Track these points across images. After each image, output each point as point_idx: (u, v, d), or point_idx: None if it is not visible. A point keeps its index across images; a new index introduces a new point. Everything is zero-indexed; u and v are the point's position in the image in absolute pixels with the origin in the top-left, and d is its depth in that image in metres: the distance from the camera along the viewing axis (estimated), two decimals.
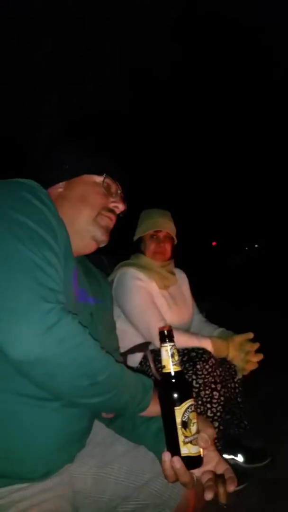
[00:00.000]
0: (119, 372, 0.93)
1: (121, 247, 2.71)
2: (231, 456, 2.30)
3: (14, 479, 0.94)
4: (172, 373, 0.92)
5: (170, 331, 0.94)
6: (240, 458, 2.29)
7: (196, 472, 0.95)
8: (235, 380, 2.20)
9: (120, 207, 1.24)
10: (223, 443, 2.23)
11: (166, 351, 0.93)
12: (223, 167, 21.08)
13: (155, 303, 2.17)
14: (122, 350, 2.19)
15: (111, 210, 1.22)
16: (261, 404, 2.99)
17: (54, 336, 0.81)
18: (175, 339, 2.07)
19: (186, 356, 1.97)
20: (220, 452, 2.17)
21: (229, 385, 2.20)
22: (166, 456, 0.90)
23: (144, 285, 2.19)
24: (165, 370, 0.93)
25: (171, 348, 0.93)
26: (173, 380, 0.92)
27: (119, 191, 1.27)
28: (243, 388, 2.23)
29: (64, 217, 1.10)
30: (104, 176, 1.22)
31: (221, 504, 0.89)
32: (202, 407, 1.93)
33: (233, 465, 2.28)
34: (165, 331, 0.94)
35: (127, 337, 2.16)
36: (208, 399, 1.92)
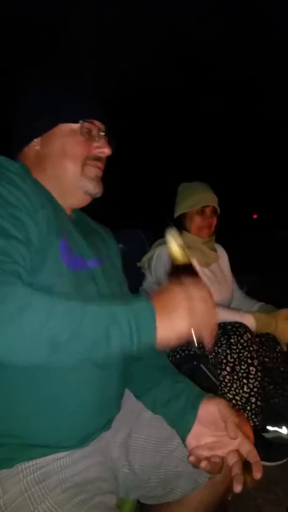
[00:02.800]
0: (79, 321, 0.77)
1: (160, 222, 2.69)
2: (275, 428, 2.30)
3: (54, 447, 0.94)
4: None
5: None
6: (284, 430, 2.28)
7: (220, 452, 0.95)
8: (277, 349, 2.17)
9: (106, 151, 1.13)
10: (267, 414, 2.22)
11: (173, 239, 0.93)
12: (263, 136, 20.37)
13: None
14: None
15: (97, 158, 1.12)
16: None
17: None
18: (217, 314, 2.07)
19: (221, 329, 1.96)
20: (263, 423, 2.19)
21: (271, 355, 2.18)
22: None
23: None
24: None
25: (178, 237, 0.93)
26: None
27: (101, 133, 1.14)
28: (285, 358, 2.20)
29: (49, 178, 1.07)
30: (81, 122, 1.09)
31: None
32: (238, 382, 1.92)
33: (276, 437, 2.27)
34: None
35: None
36: (245, 375, 1.91)
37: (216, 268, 2.37)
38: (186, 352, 2.12)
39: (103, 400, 1.02)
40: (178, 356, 2.13)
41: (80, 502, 0.85)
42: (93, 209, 1.23)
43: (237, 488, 0.87)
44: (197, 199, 2.30)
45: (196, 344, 0.84)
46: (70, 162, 1.08)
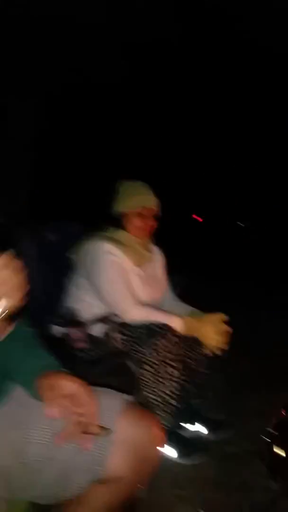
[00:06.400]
0: None
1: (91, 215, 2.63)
2: (194, 428, 2.35)
3: None
4: None
5: None
6: (201, 428, 2.34)
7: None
8: (201, 352, 2.20)
9: None
10: (187, 414, 2.28)
11: None
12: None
13: (128, 279, 2.16)
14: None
15: None
16: (230, 381, 3.02)
17: None
18: (146, 314, 2.15)
19: (147, 329, 1.99)
20: (183, 422, 2.25)
21: (195, 357, 2.22)
22: None
23: (117, 260, 2.16)
24: None
25: None
26: None
27: None
28: (209, 361, 2.25)
29: None
30: None
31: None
32: (159, 383, 1.96)
33: (195, 437, 2.33)
34: None
35: (92, 310, 2.16)
36: (168, 377, 1.95)
37: (150, 270, 2.37)
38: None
39: None
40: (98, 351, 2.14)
41: None
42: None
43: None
44: (138, 200, 2.28)
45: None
46: None
